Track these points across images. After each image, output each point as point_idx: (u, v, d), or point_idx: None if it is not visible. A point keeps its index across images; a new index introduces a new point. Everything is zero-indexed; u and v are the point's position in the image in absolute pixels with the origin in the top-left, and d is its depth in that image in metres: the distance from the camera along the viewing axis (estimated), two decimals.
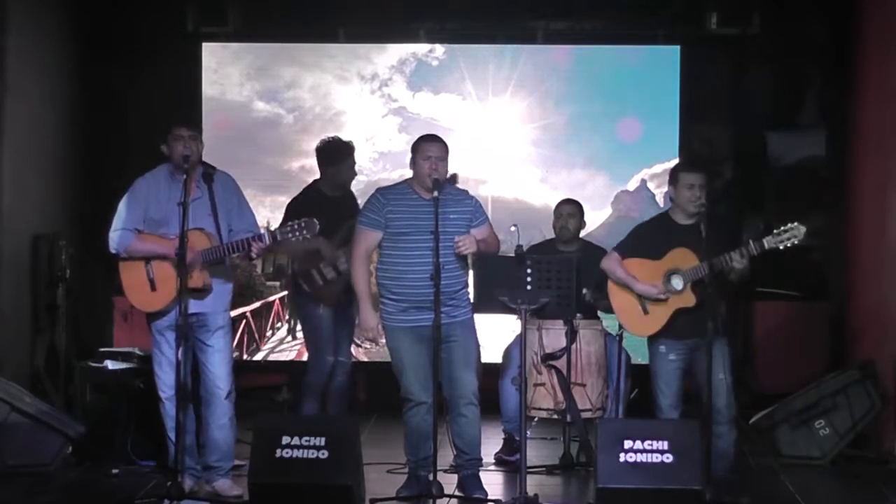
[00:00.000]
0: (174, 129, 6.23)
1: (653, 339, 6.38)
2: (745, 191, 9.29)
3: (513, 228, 6.35)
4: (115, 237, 6.28)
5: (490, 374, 7.40)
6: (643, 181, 9.31)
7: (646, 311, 6.35)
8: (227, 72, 9.49)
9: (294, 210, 7.38)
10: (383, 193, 6.37)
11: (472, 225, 6.32)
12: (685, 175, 6.27)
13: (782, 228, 5.96)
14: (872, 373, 7.49)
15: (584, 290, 7.10)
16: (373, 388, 9.43)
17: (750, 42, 9.18)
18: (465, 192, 6.53)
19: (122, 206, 6.31)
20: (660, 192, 9.19)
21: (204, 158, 6.39)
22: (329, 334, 7.46)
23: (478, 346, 6.43)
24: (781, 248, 5.98)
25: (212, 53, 9.46)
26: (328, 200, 7.42)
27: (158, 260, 6.22)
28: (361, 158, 8.27)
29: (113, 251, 6.31)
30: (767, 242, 5.96)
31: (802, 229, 5.95)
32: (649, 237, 6.45)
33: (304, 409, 7.44)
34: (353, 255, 6.41)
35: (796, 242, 5.96)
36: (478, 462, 6.42)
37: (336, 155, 7.53)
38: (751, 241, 6.01)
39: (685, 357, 6.27)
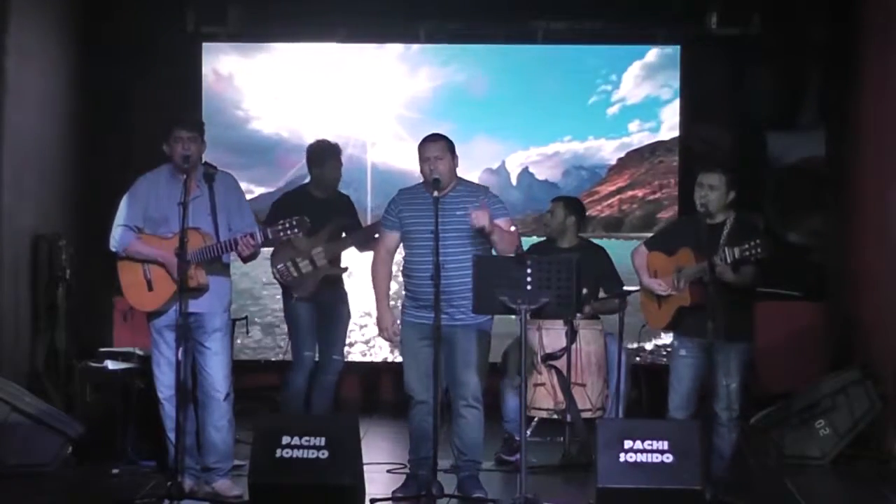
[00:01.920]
0: (174, 131, 6.25)
1: (673, 336, 6.46)
2: (745, 191, 9.25)
3: (513, 228, 6.34)
4: (116, 234, 6.33)
5: (490, 375, 7.40)
6: (503, 162, 9.38)
7: (659, 306, 6.41)
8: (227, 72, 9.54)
9: (278, 209, 7.38)
10: (399, 194, 6.47)
11: None
12: (700, 176, 6.35)
13: (750, 243, 5.98)
14: (872, 373, 7.49)
15: (584, 291, 7.12)
16: (373, 388, 9.44)
17: (750, 42, 9.18)
18: (482, 187, 6.54)
19: (122, 203, 6.36)
20: (514, 173, 9.31)
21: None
22: (307, 329, 7.47)
23: (484, 350, 6.40)
24: (751, 259, 6.01)
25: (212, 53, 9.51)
26: (314, 201, 7.41)
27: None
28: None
29: (112, 249, 6.34)
30: (738, 252, 6.00)
31: (764, 245, 5.96)
32: (671, 233, 6.59)
33: (286, 409, 7.44)
34: (373, 256, 6.53)
35: (762, 255, 5.98)
36: (476, 464, 6.42)
37: (320, 156, 7.56)
38: (725, 249, 6.04)
39: (699, 356, 6.24)
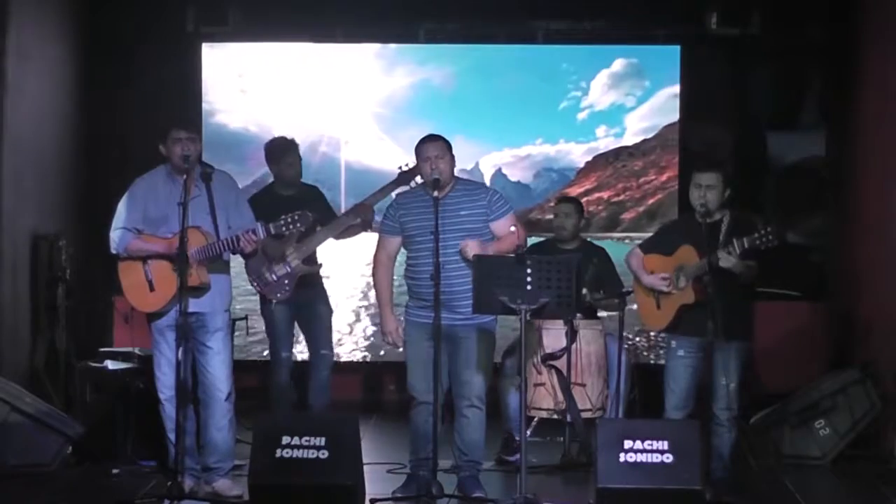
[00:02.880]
0: (172, 132, 6.26)
1: (668, 336, 6.43)
2: (745, 191, 9.26)
3: (512, 229, 6.34)
4: (115, 237, 6.32)
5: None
6: (477, 162, 9.51)
7: (658, 306, 6.40)
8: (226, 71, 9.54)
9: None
10: (398, 198, 6.48)
11: (489, 219, 6.32)
12: (695, 175, 6.35)
13: (762, 231, 5.98)
14: (872, 373, 7.48)
15: (584, 291, 7.11)
16: (373, 388, 9.44)
17: (750, 42, 9.18)
18: (482, 185, 6.55)
19: (121, 205, 6.35)
20: (488, 174, 9.48)
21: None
22: (284, 331, 7.46)
23: (489, 349, 6.40)
24: (762, 247, 6.00)
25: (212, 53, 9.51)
26: (281, 200, 7.31)
27: (156, 260, 6.24)
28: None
29: (113, 251, 6.34)
30: (747, 242, 6.00)
31: (775, 231, 5.97)
32: (668, 234, 6.57)
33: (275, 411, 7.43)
34: (374, 262, 6.50)
35: (774, 242, 5.97)
36: (476, 465, 6.42)
37: (275, 154, 7.52)
38: (734, 240, 6.04)
39: (697, 356, 6.25)
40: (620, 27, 9.27)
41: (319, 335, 7.55)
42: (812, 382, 7.65)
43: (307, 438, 5.92)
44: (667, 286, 6.33)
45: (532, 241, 7.76)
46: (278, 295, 7.32)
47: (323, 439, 5.92)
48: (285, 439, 5.93)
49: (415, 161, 6.52)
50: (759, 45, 9.21)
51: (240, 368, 8.62)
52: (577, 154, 9.44)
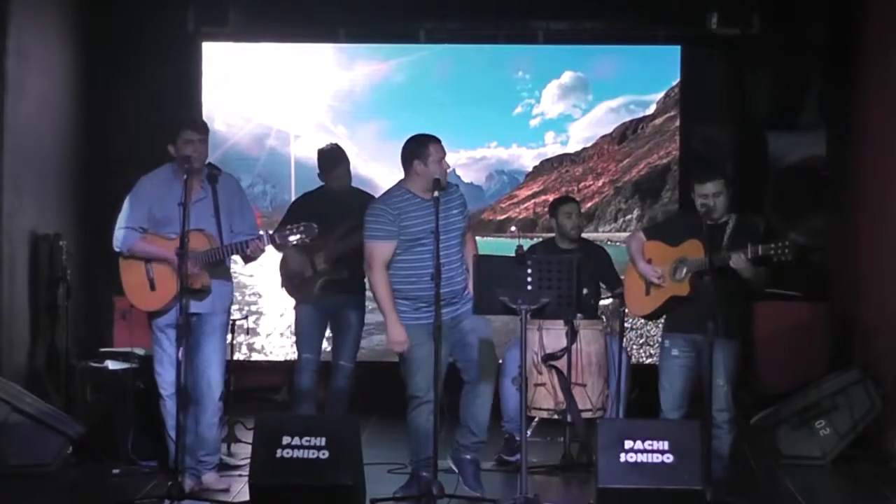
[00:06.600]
0: (184, 133, 6.23)
1: (663, 336, 6.43)
2: (745, 191, 9.26)
3: (513, 229, 6.35)
4: (120, 235, 6.33)
5: None
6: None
7: (647, 293, 6.40)
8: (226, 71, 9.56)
9: (296, 208, 7.37)
10: (388, 204, 6.28)
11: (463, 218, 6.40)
12: (697, 186, 6.27)
13: (779, 243, 5.97)
14: (873, 373, 7.49)
15: (585, 291, 7.11)
16: (372, 389, 9.43)
17: (750, 42, 9.19)
18: (455, 185, 6.57)
19: (126, 204, 6.36)
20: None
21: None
22: (308, 332, 7.41)
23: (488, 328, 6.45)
24: (774, 259, 5.99)
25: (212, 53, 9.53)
26: (331, 198, 7.34)
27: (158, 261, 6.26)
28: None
29: (116, 249, 6.36)
30: (762, 249, 5.98)
31: (792, 247, 5.96)
32: (675, 224, 6.57)
33: (297, 412, 7.42)
34: (374, 270, 6.27)
35: (789, 257, 5.96)
36: (482, 445, 6.43)
37: (326, 162, 7.45)
38: (748, 245, 6.03)
39: (691, 355, 6.25)
40: (620, 27, 9.28)
41: (342, 344, 7.44)
42: (812, 382, 7.65)
43: (307, 438, 5.92)
44: (658, 280, 6.33)
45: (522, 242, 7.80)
46: (301, 297, 7.33)
47: (323, 439, 5.92)
48: (285, 439, 5.93)
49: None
50: (759, 45, 9.21)
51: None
52: (527, 158, 9.78)
